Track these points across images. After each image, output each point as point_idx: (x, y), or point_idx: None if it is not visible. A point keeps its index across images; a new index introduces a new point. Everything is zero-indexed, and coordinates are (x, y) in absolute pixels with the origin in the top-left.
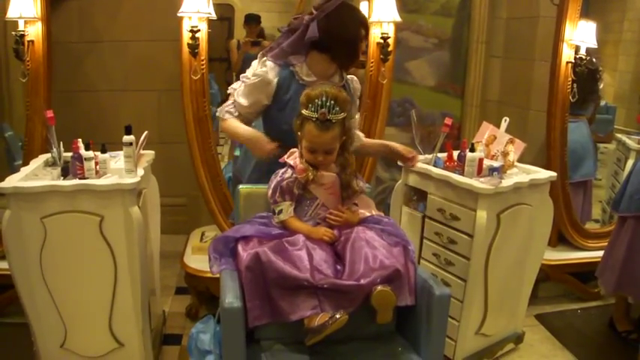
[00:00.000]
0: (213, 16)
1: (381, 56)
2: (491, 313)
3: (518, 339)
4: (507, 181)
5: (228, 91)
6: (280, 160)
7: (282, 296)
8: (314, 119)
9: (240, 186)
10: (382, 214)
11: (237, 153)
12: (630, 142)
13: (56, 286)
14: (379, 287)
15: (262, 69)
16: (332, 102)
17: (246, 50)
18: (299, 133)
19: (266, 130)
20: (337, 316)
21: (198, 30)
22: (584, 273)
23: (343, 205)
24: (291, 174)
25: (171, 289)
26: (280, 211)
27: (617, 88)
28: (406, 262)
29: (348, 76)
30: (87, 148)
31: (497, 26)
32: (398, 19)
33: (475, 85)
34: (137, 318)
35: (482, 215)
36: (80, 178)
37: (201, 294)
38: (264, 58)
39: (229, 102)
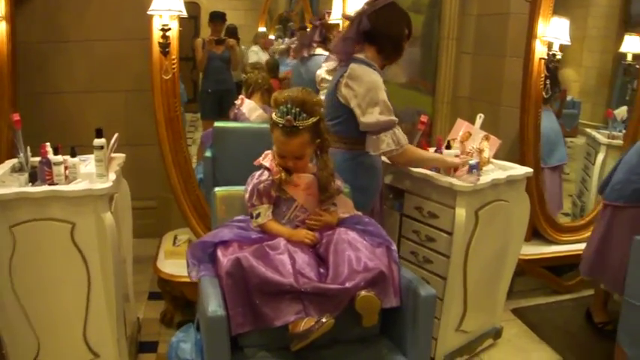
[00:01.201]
0: (184, 14)
1: None
2: (470, 309)
3: (496, 334)
4: (485, 178)
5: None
6: (255, 163)
7: (265, 302)
8: (280, 125)
9: (216, 188)
10: (361, 214)
11: (207, 154)
12: (600, 136)
13: (27, 297)
14: (363, 292)
15: (374, 73)
16: (297, 109)
17: (211, 49)
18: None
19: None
20: (323, 320)
21: (169, 28)
22: (558, 266)
23: (322, 206)
24: (268, 176)
25: (144, 294)
26: (258, 215)
27: (583, 84)
28: (389, 263)
29: None
30: (55, 153)
31: (468, 23)
32: None
33: (446, 81)
34: (112, 327)
35: (461, 213)
36: (49, 184)
37: (176, 299)
38: (362, 65)
39: (388, 132)
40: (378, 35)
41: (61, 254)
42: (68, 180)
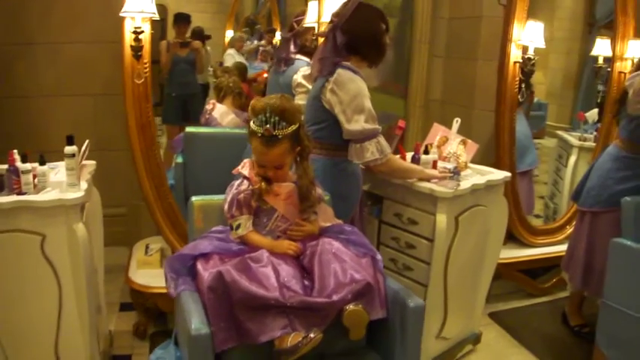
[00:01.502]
0: (157, 16)
1: None
2: (450, 316)
3: (476, 339)
4: (465, 184)
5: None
6: (234, 172)
7: (249, 317)
8: (259, 135)
9: (194, 198)
10: (342, 223)
11: (179, 160)
12: (571, 138)
13: None
14: (351, 306)
15: (360, 80)
16: (276, 118)
17: (175, 52)
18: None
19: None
20: (312, 335)
21: (142, 31)
22: (532, 269)
23: (302, 215)
24: (248, 185)
25: (115, 305)
26: (238, 226)
27: (549, 86)
28: (375, 274)
29: None
30: (24, 160)
31: (440, 26)
32: None
33: (419, 85)
34: (85, 341)
35: (442, 219)
36: (17, 194)
37: (149, 310)
38: (349, 71)
39: (372, 141)
40: (358, 44)
41: (31, 267)
42: (37, 189)
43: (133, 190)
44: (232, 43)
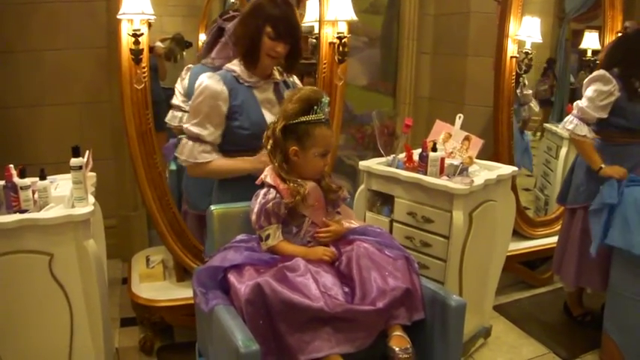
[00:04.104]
0: (153, 18)
1: (338, 57)
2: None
3: (487, 333)
4: (478, 179)
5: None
6: (257, 183)
7: (290, 331)
8: (324, 120)
9: (212, 207)
10: (365, 223)
11: (172, 167)
12: (561, 131)
13: (3, 338)
14: (398, 333)
15: (209, 82)
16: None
17: None
18: (294, 148)
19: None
20: None
21: (142, 34)
22: (530, 261)
23: (328, 214)
24: (275, 194)
25: (116, 321)
26: (268, 236)
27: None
28: (411, 276)
29: (289, 76)
30: (22, 175)
31: (426, 23)
32: (354, 17)
33: (407, 82)
34: None
35: (458, 216)
36: (18, 211)
37: (155, 325)
38: (206, 73)
39: (187, 142)
40: (235, 39)
41: (39, 290)
42: (37, 205)
43: (122, 200)
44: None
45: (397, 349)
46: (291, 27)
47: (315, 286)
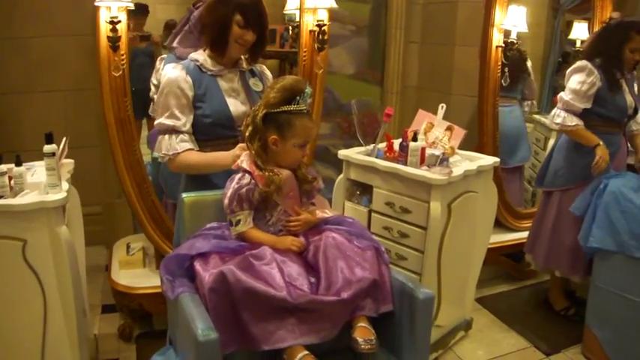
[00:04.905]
0: (132, 5)
1: (317, 45)
2: (444, 303)
3: (467, 326)
4: (457, 170)
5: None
6: (233, 167)
7: (253, 320)
8: (305, 111)
9: (184, 195)
10: (339, 214)
11: (155, 155)
12: (548, 122)
13: None
14: (362, 324)
15: (172, 73)
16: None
17: (134, 45)
18: (274, 137)
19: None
20: None
21: (119, 21)
22: (515, 253)
23: (302, 204)
24: (250, 180)
25: (97, 307)
26: (238, 222)
27: None
28: (380, 267)
29: (257, 65)
30: None
31: (415, 11)
32: (334, 5)
33: (395, 71)
34: (72, 349)
35: (436, 206)
36: None
37: (134, 312)
38: (169, 64)
39: (164, 137)
40: (202, 27)
41: (12, 275)
42: (14, 192)
43: (107, 188)
44: None
45: (360, 339)
46: (260, 15)
47: (280, 276)
